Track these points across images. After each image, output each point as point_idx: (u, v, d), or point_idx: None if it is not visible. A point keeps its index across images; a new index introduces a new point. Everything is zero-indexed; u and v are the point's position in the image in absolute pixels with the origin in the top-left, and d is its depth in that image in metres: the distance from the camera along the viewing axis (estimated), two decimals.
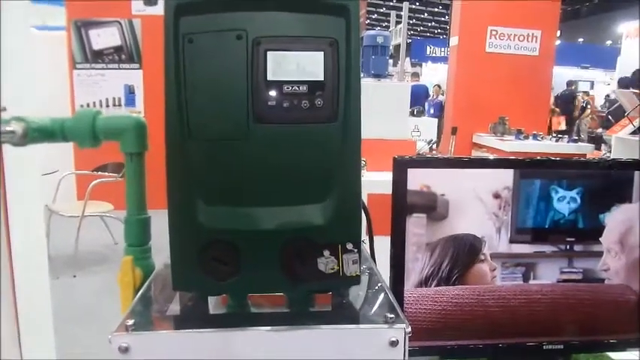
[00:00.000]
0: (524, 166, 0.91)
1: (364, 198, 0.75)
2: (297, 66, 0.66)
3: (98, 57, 5.18)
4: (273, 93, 0.66)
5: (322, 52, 0.66)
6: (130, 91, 5.22)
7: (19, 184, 1.53)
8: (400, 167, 0.86)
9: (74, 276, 3.75)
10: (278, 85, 0.66)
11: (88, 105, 5.17)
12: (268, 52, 0.65)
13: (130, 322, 0.67)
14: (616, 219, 0.92)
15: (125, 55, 5.22)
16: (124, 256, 0.87)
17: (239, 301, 0.82)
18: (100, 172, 4.18)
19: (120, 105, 5.24)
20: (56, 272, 3.67)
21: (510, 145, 5.36)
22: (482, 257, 0.90)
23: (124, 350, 0.64)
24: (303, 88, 0.66)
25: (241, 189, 0.68)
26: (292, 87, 0.66)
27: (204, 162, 0.67)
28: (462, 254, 0.89)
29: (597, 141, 5.90)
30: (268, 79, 0.65)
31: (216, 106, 0.66)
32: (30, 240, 1.66)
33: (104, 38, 5.14)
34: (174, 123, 0.66)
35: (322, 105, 0.66)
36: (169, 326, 0.72)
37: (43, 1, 6.13)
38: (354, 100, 0.67)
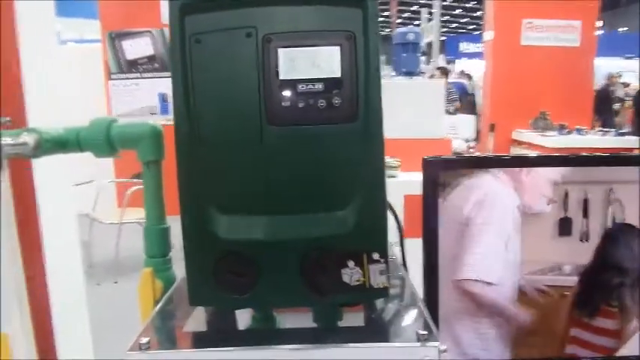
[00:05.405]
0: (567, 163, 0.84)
1: (400, 199, 0.69)
2: (311, 63, 0.61)
3: (132, 67, 5.28)
4: (286, 93, 0.61)
5: (339, 47, 0.61)
6: (163, 100, 5.28)
7: (50, 194, 1.54)
8: (431, 169, 0.80)
9: (115, 282, 3.81)
10: (292, 84, 0.61)
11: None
12: (280, 50, 0.61)
13: (145, 340, 0.63)
14: None
15: (158, 63, 5.29)
16: (143, 268, 0.84)
17: (263, 312, 0.78)
18: (137, 179, 4.24)
19: (155, 113, 5.31)
20: (98, 279, 3.75)
21: (553, 141, 5.16)
22: None
23: None
24: (319, 87, 0.61)
25: (257, 196, 0.64)
26: (307, 85, 0.61)
27: (217, 168, 0.63)
28: None
29: None
30: (281, 78, 0.61)
31: (226, 108, 0.62)
32: (63, 250, 1.68)
33: (136, 48, 5.23)
34: (183, 128, 0.62)
35: (340, 104, 0.61)
36: (187, 344, 0.68)
37: (80, 15, 6.31)
38: (375, 97, 0.62)
